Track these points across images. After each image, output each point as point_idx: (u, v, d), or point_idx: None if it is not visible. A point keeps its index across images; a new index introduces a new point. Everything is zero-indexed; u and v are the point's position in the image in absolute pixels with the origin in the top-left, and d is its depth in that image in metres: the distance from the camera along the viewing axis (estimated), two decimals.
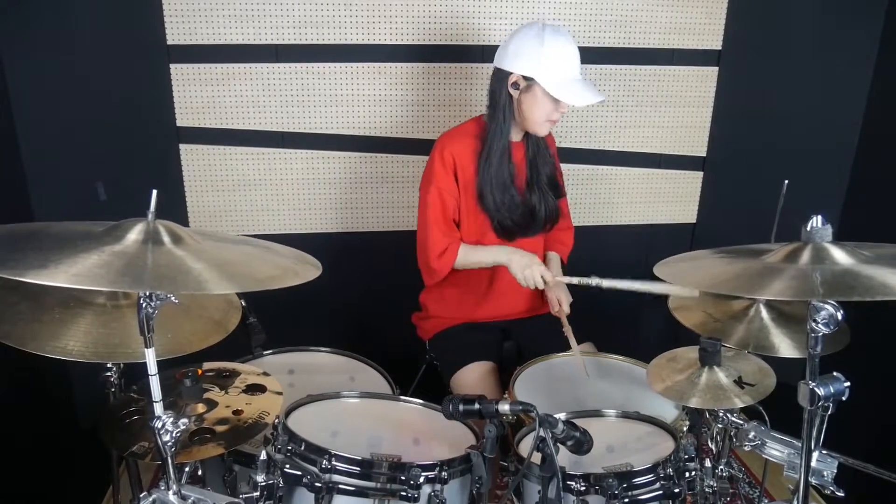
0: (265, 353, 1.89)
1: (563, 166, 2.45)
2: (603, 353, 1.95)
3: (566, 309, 1.95)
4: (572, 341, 1.89)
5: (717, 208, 2.61)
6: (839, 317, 1.12)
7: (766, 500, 1.76)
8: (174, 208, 2.32)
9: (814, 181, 2.55)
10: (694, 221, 2.65)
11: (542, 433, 1.10)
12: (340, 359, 1.92)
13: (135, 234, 1.10)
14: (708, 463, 1.33)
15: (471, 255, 1.93)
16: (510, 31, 2.32)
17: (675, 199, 2.61)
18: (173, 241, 1.11)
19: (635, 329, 2.71)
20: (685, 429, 1.60)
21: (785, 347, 1.55)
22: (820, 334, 1.16)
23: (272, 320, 1.99)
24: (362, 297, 2.50)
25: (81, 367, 1.42)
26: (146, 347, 1.17)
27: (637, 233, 2.63)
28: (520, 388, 1.75)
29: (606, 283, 1.77)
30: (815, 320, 1.14)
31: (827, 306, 1.13)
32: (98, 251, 1.01)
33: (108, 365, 1.56)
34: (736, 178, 2.56)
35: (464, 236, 1.97)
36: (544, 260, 2.10)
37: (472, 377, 1.92)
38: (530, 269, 1.86)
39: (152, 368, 1.19)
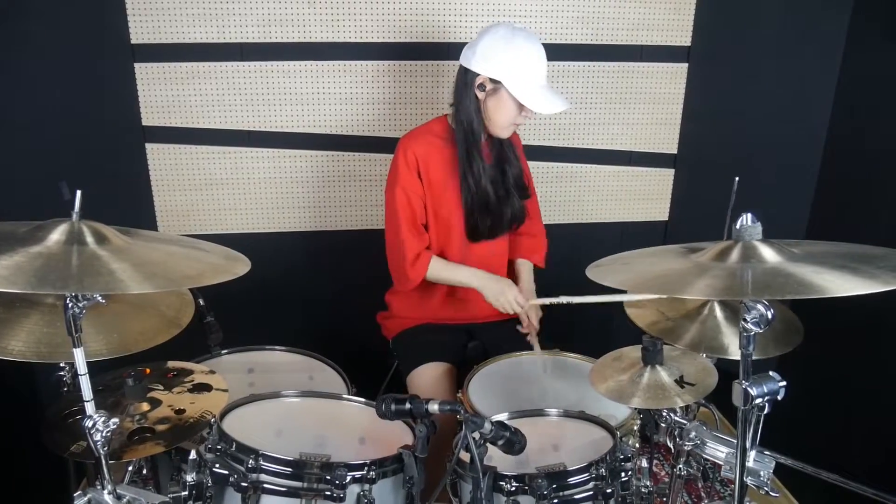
0: (223, 351, 1.89)
1: (533, 164, 2.44)
2: (562, 352, 1.94)
3: (535, 325, 1.98)
4: (537, 350, 1.91)
5: (690, 205, 2.60)
6: (769, 316, 1.11)
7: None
8: (141, 208, 2.32)
9: (786, 177, 2.54)
10: (666, 219, 2.64)
11: (466, 434, 1.09)
12: (299, 357, 1.92)
13: (57, 234, 1.10)
14: (644, 463, 1.32)
15: (443, 272, 1.94)
16: (477, 29, 2.32)
17: (646, 197, 2.60)
18: (97, 242, 1.11)
19: (605, 329, 2.69)
20: (636, 428, 1.60)
21: (735, 348, 1.54)
22: (752, 334, 1.15)
23: (242, 319, 2.00)
24: (330, 296, 2.50)
25: (45, 367, 1.43)
26: (74, 347, 1.17)
27: (609, 231, 2.62)
28: (474, 387, 1.75)
29: (576, 300, 1.80)
30: (745, 319, 1.13)
31: (758, 306, 1.12)
32: (13, 252, 1.01)
33: (62, 364, 1.57)
34: (708, 175, 2.54)
35: (429, 240, 1.96)
36: (512, 269, 2.11)
37: (428, 377, 1.92)
38: (504, 296, 1.89)
39: (82, 368, 1.19)
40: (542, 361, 1.88)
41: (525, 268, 2.11)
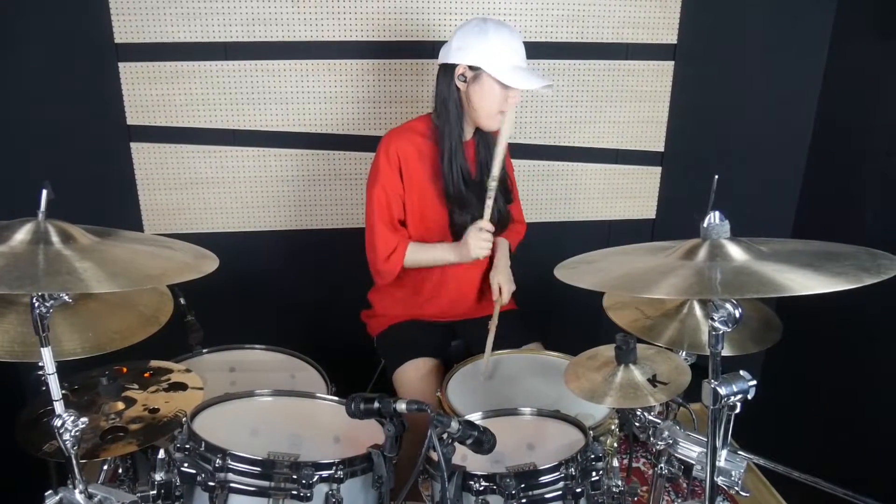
0: (205, 350, 1.89)
1: (519, 162, 2.44)
2: (544, 352, 1.94)
3: (505, 298, 1.93)
4: (489, 340, 1.85)
5: (677, 203, 2.58)
6: (737, 315, 1.10)
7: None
8: (126, 208, 2.32)
9: (772, 174, 2.53)
10: (653, 217, 2.63)
11: (430, 433, 1.09)
12: (281, 356, 1.92)
13: (22, 234, 1.10)
14: (615, 462, 1.32)
15: (419, 255, 1.93)
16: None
17: (633, 195, 2.59)
18: (63, 241, 1.11)
19: (588, 327, 2.68)
20: (613, 427, 1.60)
21: None
22: (720, 332, 1.15)
23: (225, 318, 1.99)
24: (317, 294, 2.50)
25: (29, 366, 1.43)
26: (41, 347, 1.18)
27: (596, 229, 2.61)
28: (453, 386, 1.75)
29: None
30: (713, 318, 1.12)
31: (726, 304, 1.12)
32: None
33: (40, 364, 1.57)
34: (695, 173, 2.52)
35: (410, 236, 1.96)
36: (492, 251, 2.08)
37: (414, 374, 1.91)
38: (469, 243, 1.85)
39: (49, 367, 1.20)
40: (484, 366, 1.82)
41: (503, 246, 2.08)
